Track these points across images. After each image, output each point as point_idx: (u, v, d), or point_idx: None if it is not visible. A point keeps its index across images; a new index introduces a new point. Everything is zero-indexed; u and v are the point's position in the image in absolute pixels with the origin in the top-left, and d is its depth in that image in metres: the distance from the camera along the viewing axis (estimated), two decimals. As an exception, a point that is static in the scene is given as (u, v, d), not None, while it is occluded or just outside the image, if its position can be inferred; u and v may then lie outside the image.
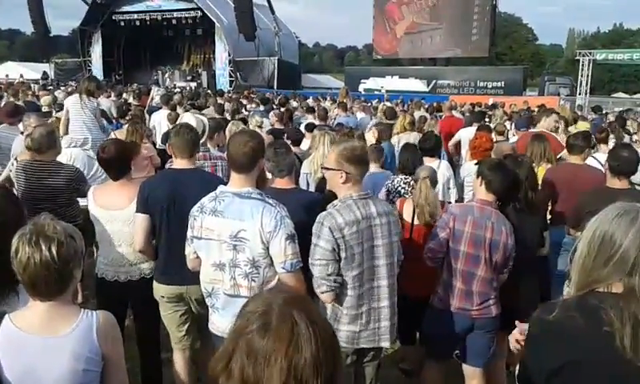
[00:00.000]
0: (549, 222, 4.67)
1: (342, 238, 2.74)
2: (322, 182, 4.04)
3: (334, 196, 2.95)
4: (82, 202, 4.19)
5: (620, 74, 57.31)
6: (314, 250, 2.75)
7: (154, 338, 3.73)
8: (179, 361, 3.58)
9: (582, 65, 28.29)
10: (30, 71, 33.65)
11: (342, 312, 2.86)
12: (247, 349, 1.11)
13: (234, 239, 2.68)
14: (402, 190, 4.29)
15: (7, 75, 30.79)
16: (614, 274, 1.61)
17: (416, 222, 3.79)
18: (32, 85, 19.54)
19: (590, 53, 29.68)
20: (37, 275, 1.86)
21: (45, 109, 9.46)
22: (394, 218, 2.99)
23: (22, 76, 28.70)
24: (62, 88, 19.25)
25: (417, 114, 9.72)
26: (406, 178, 4.40)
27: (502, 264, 3.38)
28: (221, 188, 2.85)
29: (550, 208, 4.83)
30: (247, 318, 1.15)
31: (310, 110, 10.32)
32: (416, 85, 30.59)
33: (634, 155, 3.98)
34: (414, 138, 6.98)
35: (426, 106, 13.55)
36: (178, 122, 4.80)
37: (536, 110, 11.90)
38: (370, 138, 6.33)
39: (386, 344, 3.02)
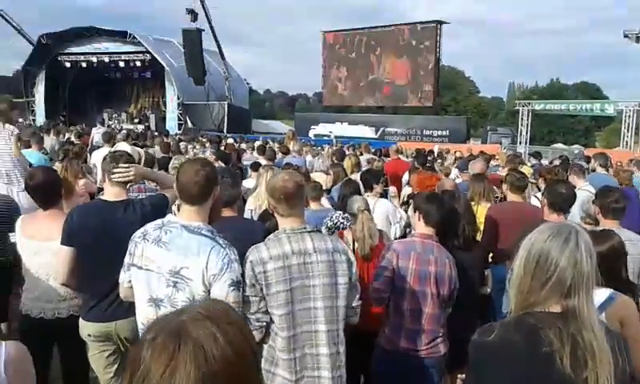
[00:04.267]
0: (491, 260, 4.72)
1: (262, 273, 2.52)
2: (265, 214, 3.94)
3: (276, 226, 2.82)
4: (12, 237, 3.95)
5: (558, 126, 60.28)
6: (241, 287, 2.58)
7: (82, 380, 3.48)
8: (108, 407, 3.30)
9: (522, 115, 29.60)
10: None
11: (277, 355, 2.59)
12: (133, 359, 1.01)
13: (175, 275, 2.45)
14: (342, 226, 4.24)
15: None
16: (551, 296, 1.59)
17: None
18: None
19: (529, 103, 31.20)
20: None
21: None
22: (341, 257, 2.66)
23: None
24: None
25: (365, 157, 9.83)
26: (344, 214, 4.35)
27: (448, 297, 3.34)
28: (169, 217, 2.64)
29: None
30: (149, 327, 1.05)
31: (260, 150, 10.29)
32: (365, 131, 31.26)
33: (570, 191, 4.09)
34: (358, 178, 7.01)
35: (374, 150, 13.78)
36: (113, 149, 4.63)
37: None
38: (324, 180, 6.31)
39: None
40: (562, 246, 1.59)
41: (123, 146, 4.40)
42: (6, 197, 4.30)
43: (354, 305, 2.76)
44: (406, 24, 33.12)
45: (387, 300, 3.35)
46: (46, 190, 3.41)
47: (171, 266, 2.46)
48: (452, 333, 3.40)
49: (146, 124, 30.64)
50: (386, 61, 33.20)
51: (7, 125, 5.82)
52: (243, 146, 14.82)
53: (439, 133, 30.42)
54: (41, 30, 32.00)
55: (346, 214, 3.84)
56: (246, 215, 4.72)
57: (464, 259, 3.57)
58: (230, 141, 15.09)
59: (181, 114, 30.42)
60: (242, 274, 2.51)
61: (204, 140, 15.85)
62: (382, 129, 31.97)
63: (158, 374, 0.96)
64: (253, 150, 12.27)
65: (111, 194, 3.24)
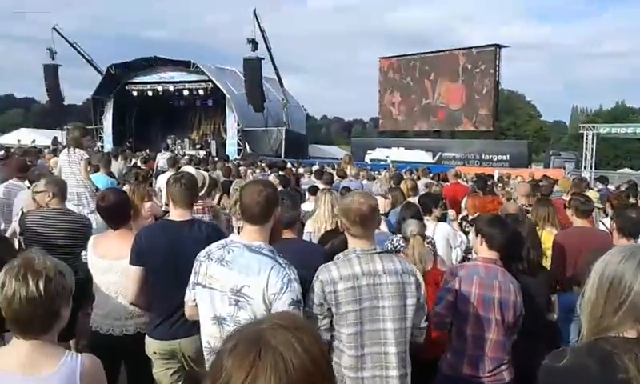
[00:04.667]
0: (558, 287, 4.55)
1: (333, 293, 2.57)
2: (325, 237, 3.97)
3: (340, 248, 2.85)
4: (83, 256, 4.16)
5: (625, 151, 57.72)
6: (307, 302, 2.63)
7: None
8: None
9: (586, 139, 28.59)
10: (42, 137, 34.35)
11: (343, 373, 2.62)
12: (214, 366, 1.04)
13: (237, 294, 2.51)
14: (402, 249, 4.21)
15: (19, 140, 31.51)
16: (625, 320, 1.53)
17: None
18: (43, 149, 19.88)
19: (594, 127, 30.06)
20: (21, 311, 1.78)
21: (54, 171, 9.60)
22: (410, 278, 2.68)
23: (34, 141, 29.34)
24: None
25: (422, 181, 9.74)
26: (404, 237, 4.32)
27: (514, 324, 3.23)
28: (232, 237, 2.73)
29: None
30: (229, 336, 1.08)
31: (318, 174, 10.39)
32: (422, 156, 30.89)
33: (640, 217, 3.93)
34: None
35: (432, 175, 13.62)
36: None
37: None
38: (382, 204, 6.29)
39: None
40: (637, 268, 1.53)
41: (188, 169, 4.56)
42: (81, 216, 4.54)
43: (421, 326, 2.78)
44: (461, 49, 32.78)
45: (449, 325, 3.28)
46: (117, 210, 3.58)
47: (233, 285, 2.52)
48: (517, 361, 3.29)
49: (207, 150, 31.52)
50: (440, 85, 32.91)
51: (78, 149, 6.19)
52: (300, 170, 15.01)
53: (499, 157, 29.68)
54: (110, 60, 33.49)
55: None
56: (305, 237, 4.76)
57: (529, 284, 3.46)
58: (288, 165, 15.31)
59: (240, 139, 31.13)
60: (302, 294, 2.54)
61: (263, 164, 16.16)
62: (439, 153, 31.53)
63: (239, 381, 0.98)
64: (310, 174, 12.41)
65: (176, 214, 3.36)
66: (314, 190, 7.11)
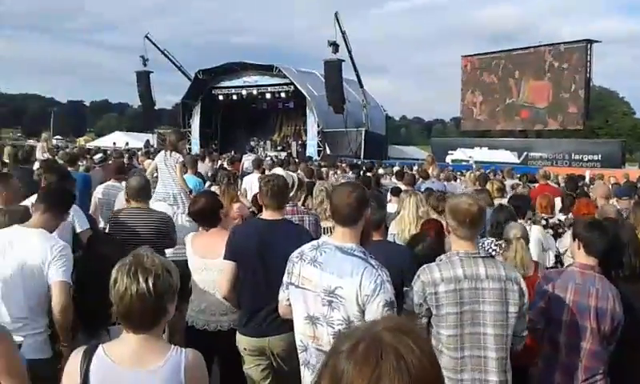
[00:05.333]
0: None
1: (433, 294, 2.59)
2: (413, 240, 3.95)
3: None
4: (167, 253, 4.39)
5: None
6: (406, 300, 2.65)
7: None
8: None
9: (690, 137, 26.50)
10: (135, 140, 36.44)
11: (443, 374, 2.64)
12: (333, 369, 1.06)
13: (330, 295, 2.56)
14: (494, 253, 4.09)
15: (114, 143, 33.66)
16: None
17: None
18: (136, 151, 21.09)
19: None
20: (132, 306, 1.89)
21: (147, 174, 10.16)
22: (513, 286, 2.67)
23: (127, 144, 31.18)
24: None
25: (509, 182, 9.42)
26: (497, 241, 4.20)
27: (611, 333, 3.07)
28: (324, 238, 2.79)
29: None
30: (343, 338, 1.10)
31: (399, 175, 10.30)
32: (506, 156, 29.74)
33: None
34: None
35: (518, 176, 13.11)
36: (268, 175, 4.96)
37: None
38: None
39: None
40: None
41: (279, 171, 4.69)
42: (163, 214, 4.79)
43: (523, 334, 2.76)
44: (547, 45, 31.28)
45: (541, 331, 3.18)
46: (208, 214, 3.78)
47: (326, 286, 2.57)
48: (615, 371, 3.12)
49: (288, 151, 32.10)
50: (525, 84, 31.59)
51: (174, 153, 6.53)
52: (381, 171, 14.93)
53: (590, 157, 28.06)
54: (197, 66, 34.94)
55: (500, 241, 3.72)
56: (389, 239, 4.75)
57: (630, 293, 3.27)
58: (368, 166, 15.28)
59: (320, 141, 31.43)
60: (395, 295, 2.55)
61: (344, 165, 16.22)
62: (524, 153, 30.23)
63: (361, 381, 1.00)
64: (391, 175, 12.33)
65: (267, 215, 3.47)
66: (396, 191, 7.08)
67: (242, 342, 3.43)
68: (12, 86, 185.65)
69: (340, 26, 28.25)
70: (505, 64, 32.58)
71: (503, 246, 3.89)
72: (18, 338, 2.62)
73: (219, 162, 16.62)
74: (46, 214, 3.31)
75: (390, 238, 4.79)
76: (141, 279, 1.89)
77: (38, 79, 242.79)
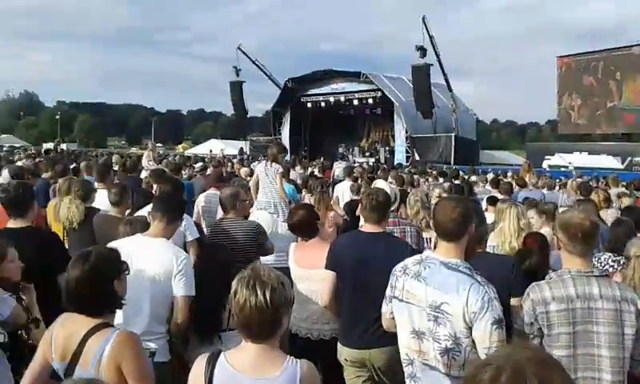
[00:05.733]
0: None
1: (544, 313, 2.52)
2: (520, 255, 3.83)
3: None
4: (269, 260, 4.54)
5: None
6: (516, 319, 2.60)
7: None
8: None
9: None
10: (229, 147, 37.99)
11: None
12: None
13: (436, 310, 2.55)
14: (611, 269, 3.85)
15: (211, 150, 35.31)
16: None
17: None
18: (232, 159, 21.97)
19: None
20: (251, 317, 2.01)
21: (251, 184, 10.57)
22: (630, 307, 2.54)
23: (222, 151, 32.55)
24: (256, 162, 21.31)
25: (614, 191, 8.87)
26: (615, 256, 3.95)
27: None
28: (427, 253, 2.79)
29: None
30: (482, 366, 1.12)
31: (494, 183, 9.96)
32: (609, 161, 27.90)
33: None
34: (611, 215, 6.36)
35: (624, 183, 12.29)
36: (371, 187, 5.03)
37: None
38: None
39: None
40: None
41: (381, 184, 4.74)
42: (252, 223, 5.00)
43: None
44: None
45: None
46: (306, 226, 3.91)
47: (431, 301, 2.56)
48: None
49: (376, 157, 32.08)
50: (627, 85, 29.46)
51: (274, 164, 6.81)
52: (473, 178, 14.52)
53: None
54: (286, 74, 35.92)
55: (619, 257, 3.51)
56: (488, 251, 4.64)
57: None
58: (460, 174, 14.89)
59: (408, 146, 31.14)
60: (502, 310, 2.52)
61: (434, 172, 15.93)
62: (629, 158, 28.22)
63: None
64: (485, 182, 11.94)
65: (369, 227, 3.53)
66: (492, 201, 6.85)
67: (343, 352, 3.48)
68: (115, 96, 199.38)
69: (428, 30, 27.95)
70: (604, 65, 30.59)
71: (622, 262, 3.67)
72: (151, 345, 2.82)
73: (309, 169, 16.92)
74: (164, 222, 3.50)
75: (488, 250, 4.68)
76: (259, 292, 2.00)
77: (140, 90, 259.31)
